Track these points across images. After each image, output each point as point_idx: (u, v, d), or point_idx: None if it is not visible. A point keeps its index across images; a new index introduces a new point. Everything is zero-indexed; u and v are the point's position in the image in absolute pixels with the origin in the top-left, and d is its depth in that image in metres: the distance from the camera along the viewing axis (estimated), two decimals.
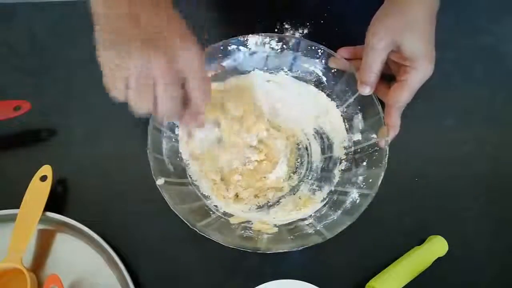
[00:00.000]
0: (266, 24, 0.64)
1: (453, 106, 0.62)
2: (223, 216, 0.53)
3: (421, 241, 0.53)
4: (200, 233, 0.47)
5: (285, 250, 0.47)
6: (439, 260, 0.52)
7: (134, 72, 0.37)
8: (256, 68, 0.59)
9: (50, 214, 0.52)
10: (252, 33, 0.56)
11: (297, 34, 0.65)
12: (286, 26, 0.65)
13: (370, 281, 0.50)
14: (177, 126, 0.56)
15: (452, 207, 0.56)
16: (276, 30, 0.65)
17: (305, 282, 0.48)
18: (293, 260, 0.53)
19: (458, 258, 0.53)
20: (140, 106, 0.39)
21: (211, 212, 0.52)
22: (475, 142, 0.59)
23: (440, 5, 0.50)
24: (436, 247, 0.52)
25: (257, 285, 0.48)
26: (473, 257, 0.54)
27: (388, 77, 0.53)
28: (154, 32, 0.38)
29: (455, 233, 0.53)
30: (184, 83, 0.40)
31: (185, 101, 0.42)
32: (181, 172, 0.54)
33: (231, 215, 0.53)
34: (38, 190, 0.52)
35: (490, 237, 0.55)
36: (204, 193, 0.54)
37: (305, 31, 0.65)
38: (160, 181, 0.49)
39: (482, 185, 0.57)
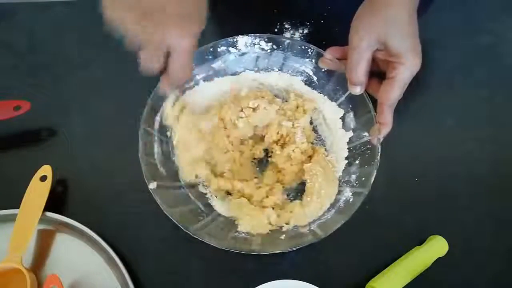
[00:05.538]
0: (266, 24, 0.64)
1: (453, 106, 0.62)
2: (216, 218, 0.53)
3: (421, 241, 0.53)
4: (194, 236, 0.47)
5: (280, 251, 0.47)
6: (439, 260, 0.52)
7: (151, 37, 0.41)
8: (247, 69, 0.58)
9: (50, 214, 0.52)
10: (252, 33, 0.56)
11: (297, 34, 0.65)
12: (286, 26, 0.65)
13: (370, 281, 0.50)
14: (168, 130, 0.55)
15: (452, 207, 0.56)
16: (276, 30, 0.65)
17: (305, 282, 0.48)
18: (293, 260, 0.52)
19: (458, 258, 0.53)
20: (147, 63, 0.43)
21: (204, 215, 0.52)
22: (475, 142, 0.59)
23: (441, 5, 0.49)
24: (436, 247, 0.52)
25: (257, 285, 0.48)
26: (473, 257, 0.54)
27: (381, 74, 0.53)
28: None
29: (455, 233, 0.53)
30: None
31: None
32: (173, 175, 0.54)
33: (224, 217, 0.53)
34: (38, 190, 0.52)
35: (490, 237, 0.55)
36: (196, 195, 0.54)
37: (305, 31, 0.65)
38: (152, 185, 0.50)
39: (482, 185, 0.57)
